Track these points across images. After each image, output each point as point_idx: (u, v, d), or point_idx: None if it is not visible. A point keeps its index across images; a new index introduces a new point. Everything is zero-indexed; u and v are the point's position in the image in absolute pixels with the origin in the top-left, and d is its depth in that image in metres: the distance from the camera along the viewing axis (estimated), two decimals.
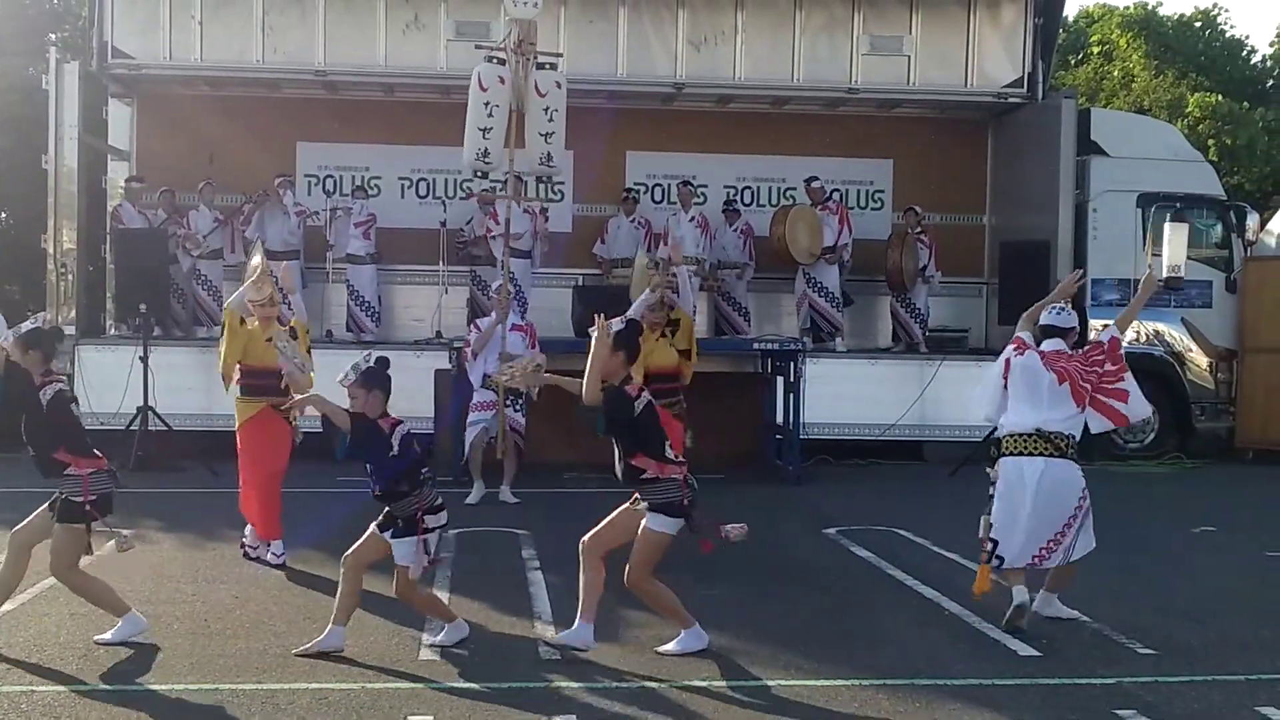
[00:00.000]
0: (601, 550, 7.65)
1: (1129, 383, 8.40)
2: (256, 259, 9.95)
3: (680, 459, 7.55)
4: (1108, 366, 8.40)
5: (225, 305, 10.40)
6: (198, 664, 7.21)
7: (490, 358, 13.07)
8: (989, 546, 8.31)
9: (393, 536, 7.50)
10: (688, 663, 7.41)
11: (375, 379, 7.57)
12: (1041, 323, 8.71)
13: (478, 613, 8.48)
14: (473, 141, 13.16)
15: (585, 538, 7.68)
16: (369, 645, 7.61)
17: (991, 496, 8.40)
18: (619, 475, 7.53)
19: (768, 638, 7.94)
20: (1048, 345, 8.57)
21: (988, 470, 8.53)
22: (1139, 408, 8.50)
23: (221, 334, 10.21)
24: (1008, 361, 8.64)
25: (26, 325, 7.62)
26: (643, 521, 7.45)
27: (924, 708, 6.63)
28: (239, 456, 10.07)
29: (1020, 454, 8.31)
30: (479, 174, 13.73)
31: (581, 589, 7.60)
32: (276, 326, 9.74)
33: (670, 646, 7.56)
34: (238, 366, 9.94)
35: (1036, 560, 8.29)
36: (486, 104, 13.06)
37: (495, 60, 13.13)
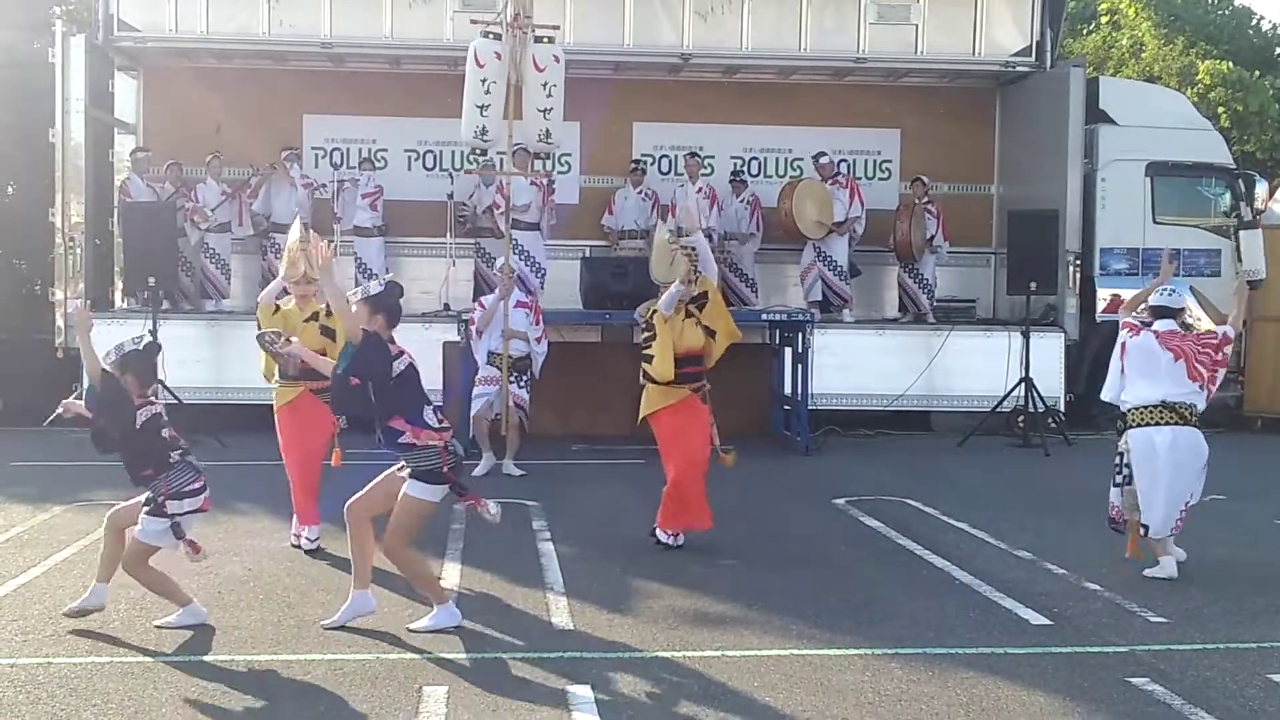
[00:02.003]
0: (367, 515, 7.57)
1: (1220, 374, 9.07)
2: (293, 236, 9.56)
3: (443, 425, 7.44)
4: (1216, 356, 8.97)
5: (258, 300, 9.93)
6: (212, 636, 7.24)
7: (494, 334, 13.09)
8: (1134, 517, 8.84)
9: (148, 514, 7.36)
10: (701, 633, 7.44)
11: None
12: (1152, 304, 9.19)
13: (490, 584, 8.52)
14: (471, 118, 13.12)
15: (350, 502, 7.57)
16: (383, 617, 7.63)
17: (1117, 468, 8.96)
18: (378, 438, 7.41)
19: (779, 608, 7.96)
20: (1160, 325, 9.03)
21: (1116, 443, 9.07)
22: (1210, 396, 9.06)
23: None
24: (1123, 345, 9.08)
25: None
26: (403, 487, 7.37)
27: (936, 677, 6.65)
28: (279, 441, 9.65)
29: (1147, 425, 8.84)
30: (477, 150, 13.71)
31: (352, 557, 7.58)
32: (316, 305, 9.40)
33: (422, 623, 7.43)
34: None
35: (1176, 528, 8.83)
36: (484, 80, 13.01)
37: (491, 35, 13.08)
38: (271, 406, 9.61)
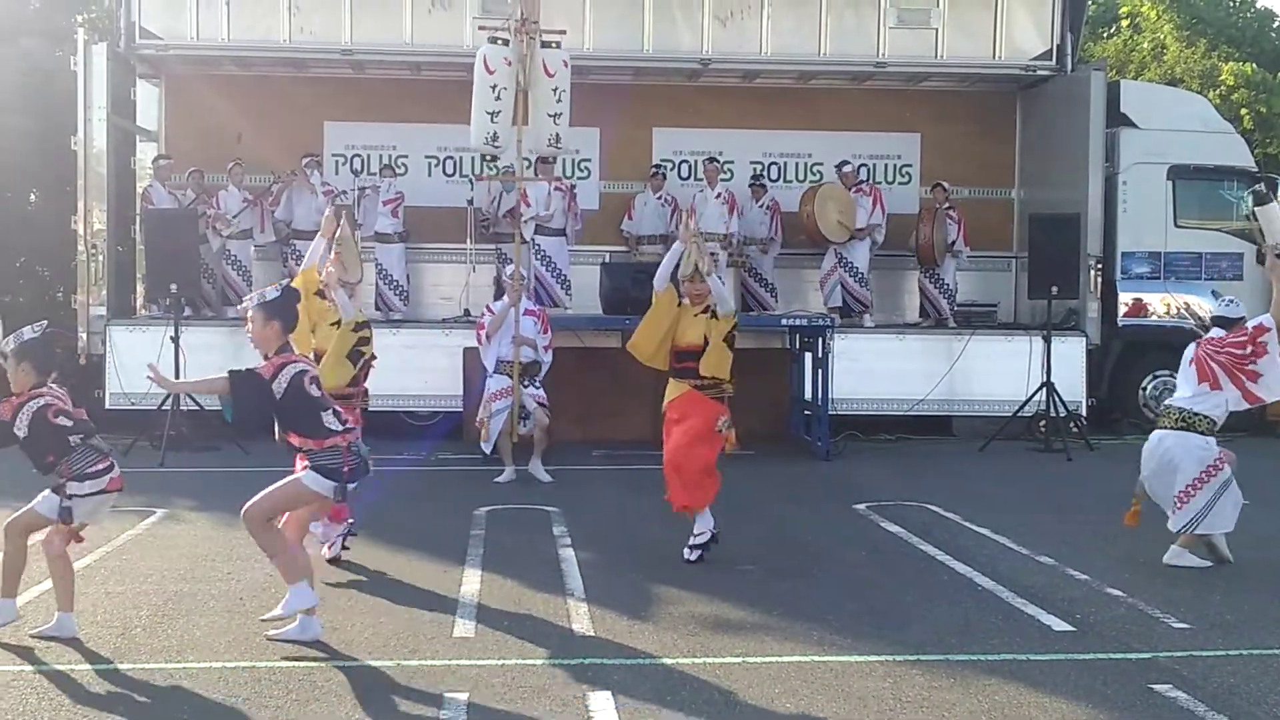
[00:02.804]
0: (270, 515, 7.47)
1: (1265, 364, 9.11)
2: (345, 231, 9.39)
3: (346, 426, 7.38)
4: (1248, 349, 9.11)
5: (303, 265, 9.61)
6: (233, 642, 7.26)
7: (504, 342, 13.11)
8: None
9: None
10: (721, 639, 7.42)
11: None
12: (1212, 313, 9.72)
13: (510, 590, 8.51)
14: (480, 125, 13.11)
15: (247, 506, 7.40)
16: (404, 624, 7.65)
17: None
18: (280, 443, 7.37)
19: (800, 614, 7.94)
20: (1213, 334, 9.41)
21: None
22: (1273, 387, 9.21)
23: None
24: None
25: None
26: (304, 467, 7.38)
27: (958, 683, 6.63)
28: None
29: (1158, 427, 9.58)
30: (488, 157, 13.71)
31: (275, 559, 7.48)
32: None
33: (275, 611, 7.41)
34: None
35: (1169, 520, 9.28)
36: (493, 87, 13.01)
37: (500, 41, 13.08)
38: None
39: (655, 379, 9.70)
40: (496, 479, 12.80)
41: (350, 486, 7.46)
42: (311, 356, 9.02)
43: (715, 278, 9.36)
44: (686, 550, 9.27)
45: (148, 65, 17.38)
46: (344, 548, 9.28)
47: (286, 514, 7.86)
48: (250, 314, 7.31)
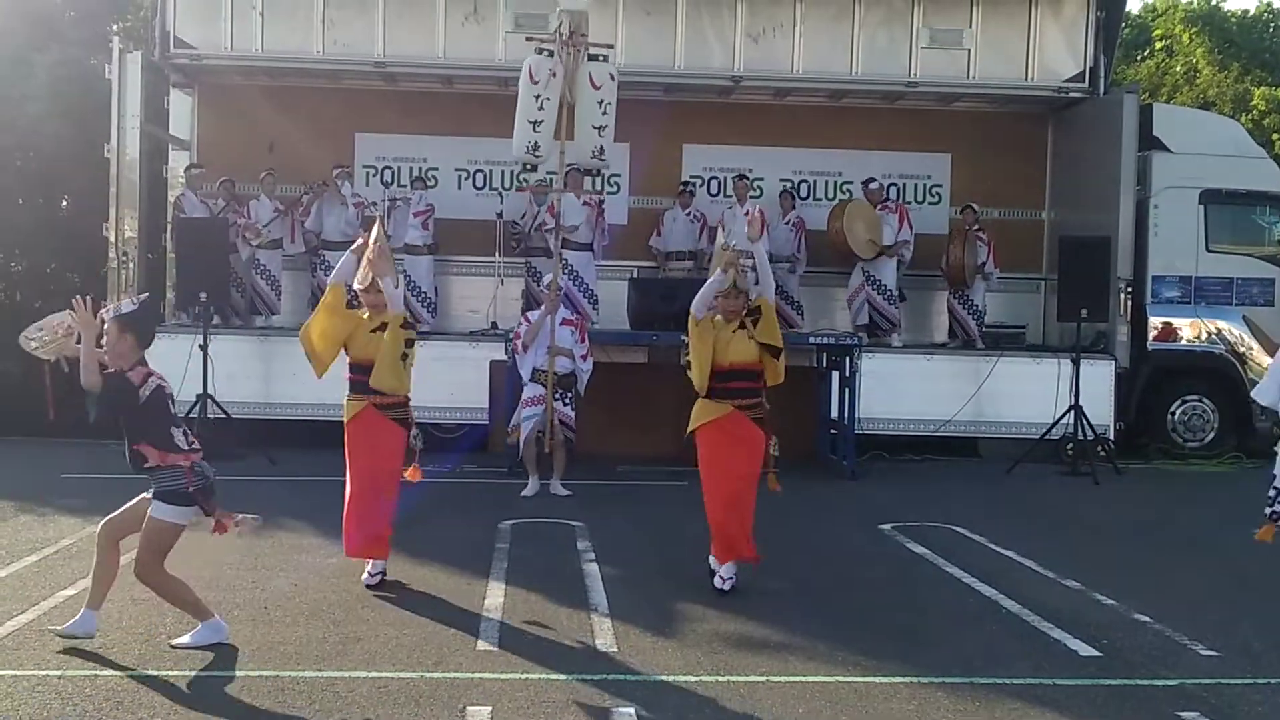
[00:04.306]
0: (117, 536, 7.43)
1: None
2: (373, 236, 9.12)
3: (193, 446, 7.34)
4: None
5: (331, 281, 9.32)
6: (258, 651, 7.26)
7: (539, 351, 13.13)
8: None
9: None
10: (745, 657, 7.40)
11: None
12: None
13: (535, 605, 8.49)
14: (523, 133, 13.16)
15: (104, 521, 7.44)
16: (427, 636, 7.65)
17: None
18: (127, 461, 7.29)
19: (825, 634, 7.91)
20: None
21: (1275, 449, 9.16)
22: None
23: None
24: None
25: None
26: (148, 509, 7.27)
27: (983, 707, 6.59)
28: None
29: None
30: (528, 166, 13.74)
31: (92, 576, 7.45)
32: (391, 315, 8.95)
33: (184, 639, 7.34)
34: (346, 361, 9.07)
35: None
36: (537, 96, 13.05)
37: (545, 52, 13.11)
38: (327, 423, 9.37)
39: (681, 394, 9.53)
40: (522, 493, 12.81)
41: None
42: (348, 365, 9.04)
43: (760, 248, 9.15)
44: (717, 580, 8.99)
45: (182, 74, 17.46)
46: (382, 573, 9.00)
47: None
48: (106, 326, 7.23)
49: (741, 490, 8.95)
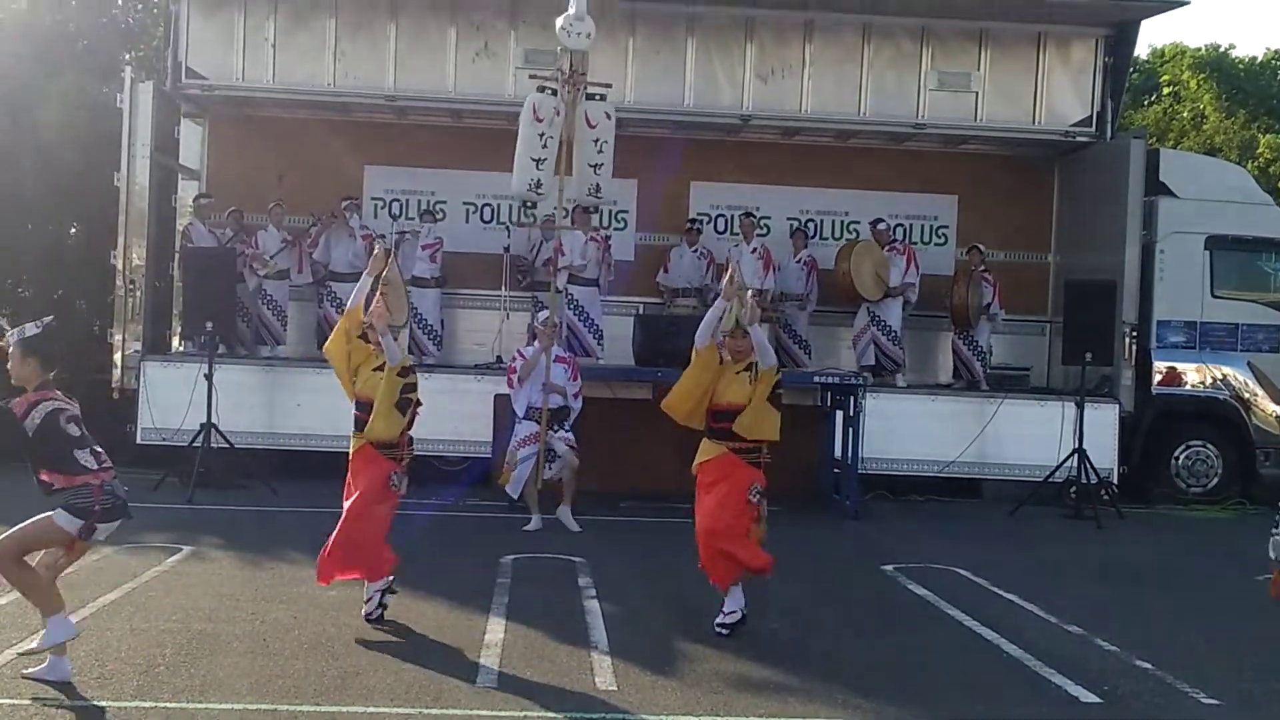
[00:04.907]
0: (17, 552, 7.29)
1: None
2: (386, 271, 9.04)
3: (103, 465, 7.28)
4: None
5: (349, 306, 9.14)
6: (257, 684, 7.24)
7: (534, 388, 13.17)
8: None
9: None
10: (745, 698, 7.38)
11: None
12: None
13: (535, 640, 8.47)
14: (525, 170, 13.21)
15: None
16: (427, 671, 7.62)
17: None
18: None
19: (825, 675, 7.88)
20: None
21: None
22: None
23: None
24: None
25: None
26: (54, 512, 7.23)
27: None
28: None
29: None
30: (529, 203, 13.80)
31: (29, 595, 7.36)
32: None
33: (34, 643, 7.33)
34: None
35: None
36: (541, 134, 13.12)
37: (549, 90, 13.19)
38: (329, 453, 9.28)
39: (686, 432, 9.50)
40: (524, 528, 12.80)
41: (105, 527, 7.32)
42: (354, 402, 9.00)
43: (756, 328, 8.99)
44: (717, 625, 8.86)
45: (192, 104, 17.55)
46: (381, 604, 8.87)
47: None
48: (10, 350, 7.21)
49: (715, 531, 8.76)
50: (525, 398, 13.28)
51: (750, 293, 9.16)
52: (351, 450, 9.00)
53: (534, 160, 13.14)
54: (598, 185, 13.46)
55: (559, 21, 13.04)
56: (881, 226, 17.13)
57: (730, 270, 9.18)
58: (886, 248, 16.98)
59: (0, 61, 19.13)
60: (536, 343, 13.50)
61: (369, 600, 8.87)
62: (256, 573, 10.33)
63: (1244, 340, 16.97)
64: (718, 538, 8.79)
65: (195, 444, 14.55)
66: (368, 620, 8.76)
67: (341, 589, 9.20)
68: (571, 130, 13.23)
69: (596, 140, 13.33)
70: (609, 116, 13.46)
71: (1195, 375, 17.09)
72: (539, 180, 13.21)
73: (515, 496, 13.22)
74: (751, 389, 8.81)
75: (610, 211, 17.49)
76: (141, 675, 7.32)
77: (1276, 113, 29.44)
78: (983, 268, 17.06)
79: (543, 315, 14.03)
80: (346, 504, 8.84)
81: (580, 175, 13.37)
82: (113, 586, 9.50)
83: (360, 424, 8.89)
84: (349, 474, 8.96)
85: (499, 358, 16.62)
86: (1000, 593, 10.63)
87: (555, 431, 13.11)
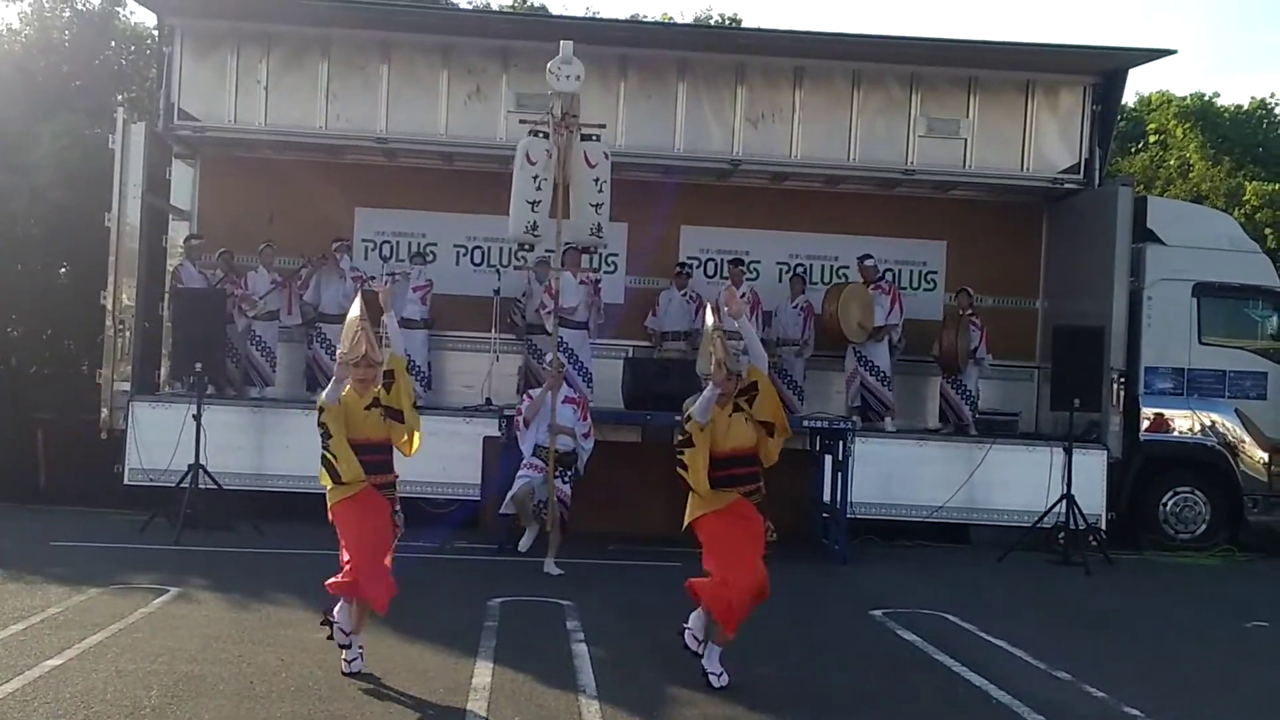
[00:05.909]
0: None
1: None
2: (354, 312, 8.76)
3: None
4: None
5: (319, 402, 8.74)
6: None
7: (541, 428, 13.16)
8: None
9: None
10: None
11: None
12: None
13: (522, 684, 8.43)
14: (520, 214, 13.23)
15: None
16: (414, 715, 7.58)
17: None
18: None
19: None
20: None
21: None
22: None
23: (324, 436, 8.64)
24: None
25: None
26: None
27: None
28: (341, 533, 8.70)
29: None
30: (525, 246, 13.81)
31: None
32: (375, 389, 8.57)
33: None
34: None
35: None
36: (535, 178, 13.15)
37: (540, 134, 13.24)
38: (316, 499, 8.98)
39: (675, 474, 9.25)
40: (519, 546, 12.92)
41: None
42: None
43: (744, 320, 8.81)
44: (713, 679, 8.55)
45: (184, 145, 17.60)
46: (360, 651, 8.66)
47: None
48: None
49: (764, 583, 8.55)
50: (531, 438, 13.27)
51: (730, 340, 8.91)
52: (342, 497, 8.59)
53: (529, 203, 13.17)
54: (599, 224, 13.47)
55: (549, 65, 13.11)
56: (869, 263, 17.19)
57: (707, 311, 9.12)
58: (873, 286, 17.03)
59: None
60: (545, 383, 13.52)
61: (351, 653, 8.59)
62: (243, 615, 10.29)
63: (1231, 387, 17.02)
64: (764, 594, 8.57)
65: (183, 485, 14.49)
66: (348, 675, 8.47)
67: (327, 633, 9.13)
68: (567, 172, 13.26)
69: (596, 180, 13.35)
70: (606, 156, 13.50)
71: (1183, 422, 17.13)
72: (534, 222, 13.24)
73: (510, 513, 13.22)
74: (752, 427, 8.59)
75: (601, 255, 17.54)
76: (127, 717, 7.27)
77: (1262, 161, 29.60)
78: (971, 312, 17.13)
79: (549, 357, 14.06)
80: (352, 539, 8.56)
81: (581, 215, 13.37)
82: (99, 627, 9.45)
83: (370, 467, 8.55)
84: (345, 522, 8.61)
85: (488, 400, 16.63)
86: (989, 638, 10.60)
87: (557, 478, 13.06)
